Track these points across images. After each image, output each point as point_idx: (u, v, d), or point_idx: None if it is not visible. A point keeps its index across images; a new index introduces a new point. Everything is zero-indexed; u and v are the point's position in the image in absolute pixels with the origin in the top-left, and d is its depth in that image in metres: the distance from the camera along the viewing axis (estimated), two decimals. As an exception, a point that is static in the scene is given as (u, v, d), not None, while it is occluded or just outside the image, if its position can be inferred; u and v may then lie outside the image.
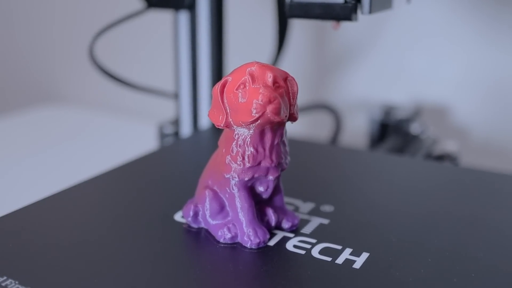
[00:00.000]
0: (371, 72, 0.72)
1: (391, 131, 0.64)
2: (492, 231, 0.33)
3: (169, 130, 0.59)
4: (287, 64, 0.71)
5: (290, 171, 0.43)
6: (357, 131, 0.72)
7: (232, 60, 0.61)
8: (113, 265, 0.29)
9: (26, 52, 1.00)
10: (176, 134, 0.58)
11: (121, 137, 0.74)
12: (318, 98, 0.75)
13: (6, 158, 0.65)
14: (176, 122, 0.59)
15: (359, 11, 0.37)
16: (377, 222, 0.34)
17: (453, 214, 0.35)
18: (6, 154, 0.66)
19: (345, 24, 0.71)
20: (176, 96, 0.58)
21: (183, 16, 0.55)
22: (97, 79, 0.82)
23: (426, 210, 0.36)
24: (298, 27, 0.72)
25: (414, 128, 0.63)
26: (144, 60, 0.87)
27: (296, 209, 0.36)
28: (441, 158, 0.60)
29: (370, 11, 0.36)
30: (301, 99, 0.74)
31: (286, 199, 0.36)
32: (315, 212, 0.35)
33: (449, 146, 0.61)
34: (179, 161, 0.47)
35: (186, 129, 0.57)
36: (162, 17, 0.73)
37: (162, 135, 0.59)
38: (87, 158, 0.65)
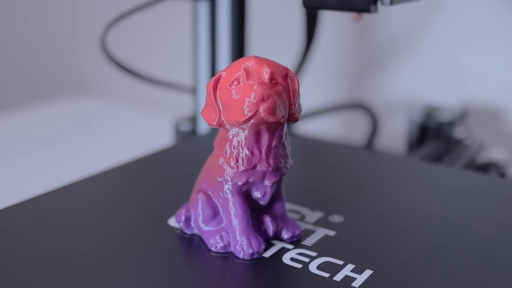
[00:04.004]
0: (414, 70, 0.70)
1: (432, 135, 0.62)
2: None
3: (186, 127, 0.59)
4: (319, 59, 0.70)
5: (304, 176, 0.43)
6: (395, 133, 0.70)
7: (255, 54, 0.60)
8: (95, 269, 0.29)
9: (48, 45, 1.02)
10: (193, 131, 0.58)
11: (139, 130, 0.75)
12: (354, 97, 0.73)
13: (9, 153, 0.67)
14: (193, 119, 0.59)
15: (379, 3, 0.36)
16: (388, 236, 0.33)
17: (480, 233, 0.33)
18: (9, 149, 0.68)
19: (387, 17, 0.70)
20: (193, 91, 0.58)
21: (203, 6, 0.55)
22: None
23: (448, 226, 0.34)
24: (333, 18, 0.70)
25: (458, 132, 0.61)
26: (161, 52, 0.87)
27: (302, 218, 0.35)
28: (486, 167, 0.58)
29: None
30: (336, 97, 0.73)
31: (294, 207, 0.36)
32: (322, 223, 0.34)
33: (496, 154, 0.59)
34: (191, 160, 0.47)
35: (203, 126, 0.57)
36: (181, 7, 0.73)
37: (178, 132, 0.59)
38: (100, 151, 0.67)
